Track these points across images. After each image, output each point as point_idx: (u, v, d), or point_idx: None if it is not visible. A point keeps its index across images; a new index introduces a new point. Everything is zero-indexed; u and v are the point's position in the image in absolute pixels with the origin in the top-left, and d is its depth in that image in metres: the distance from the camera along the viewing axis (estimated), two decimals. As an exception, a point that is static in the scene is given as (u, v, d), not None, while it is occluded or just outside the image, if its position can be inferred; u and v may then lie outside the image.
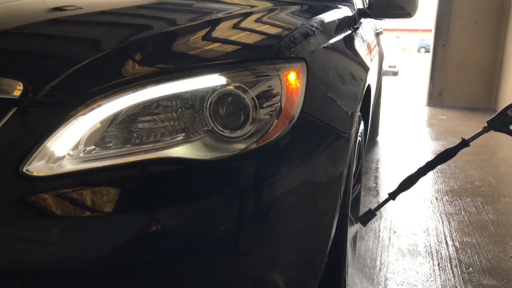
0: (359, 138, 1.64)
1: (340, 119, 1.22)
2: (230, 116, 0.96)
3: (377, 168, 3.59)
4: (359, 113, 1.65)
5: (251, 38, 1.12)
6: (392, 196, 1.80)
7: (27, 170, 0.79)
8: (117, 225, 0.81)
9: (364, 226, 1.82)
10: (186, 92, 0.93)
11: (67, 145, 0.83)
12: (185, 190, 0.86)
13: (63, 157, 0.83)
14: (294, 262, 1.06)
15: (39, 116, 0.83)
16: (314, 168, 1.08)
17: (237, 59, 1.01)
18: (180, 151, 0.89)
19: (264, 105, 0.99)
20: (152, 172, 0.85)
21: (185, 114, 0.93)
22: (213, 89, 0.95)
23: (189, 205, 0.86)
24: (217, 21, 1.15)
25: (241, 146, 0.94)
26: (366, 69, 1.63)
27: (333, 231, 1.20)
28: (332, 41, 1.36)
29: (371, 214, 1.81)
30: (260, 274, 0.95)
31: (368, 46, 2.01)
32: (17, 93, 0.83)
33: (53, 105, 0.84)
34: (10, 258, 0.76)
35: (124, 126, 0.88)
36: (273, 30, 1.18)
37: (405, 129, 5.18)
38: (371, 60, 1.96)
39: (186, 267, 0.85)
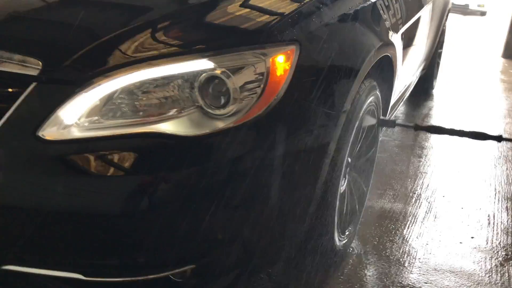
0: (369, 109, 1.70)
1: (331, 97, 1.31)
2: (216, 96, 1.10)
3: (422, 124, 3.56)
4: (374, 83, 1.71)
5: (243, 22, 1.21)
6: (415, 128, 1.90)
7: (42, 135, 1.00)
8: (109, 185, 1.01)
9: (379, 126, 1.93)
10: (177, 75, 1.07)
11: (74, 116, 1.03)
12: (169, 161, 1.04)
13: (71, 125, 1.02)
14: (269, 229, 1.22)
15: (53, 91, 1.03)
16: (295, 144, 1.21)
17: (227, 44, 1.13)
18: (168, 126, 1.06)
19: (246, 88, 1.11)
20: (142, 144, 1.03)
21: (176, 93, 1.08)
22: (202, 72, 1.08)
23: (172, 175, 1.03)
24: (212, 4, 1.25)
25: (221, 124, 1.08)
26: (383, 39, 1.65)
27: (312, 204, 1.33)
28: (339, 14, 1.40)
29: (391, 123, 1.92)
30: (230, 237, 1.13)
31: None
32: (36, 71, 1.02)
33: (64, 82, 1.03)
34: (25, 197, 1.00)
35: (122, 101, 1.05)
36: (267, 13, 1.26)
37: (468, 83, 4.95)
38: (401, 23, 1.93)
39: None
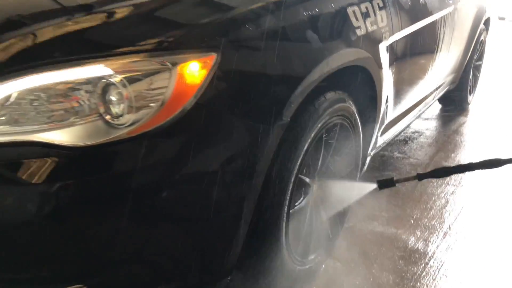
0: (333, 124, 1.56)
1: (262, 109, 1.20)
2: (116, 104, 1.03)
3: (447, 141, 3.30)
4: (342, 96, 1.57)
5: (154, 28, 1.14)
6: (419, 177, 1.72)
7: None
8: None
9: (380, 189, 1.76)
10: (75, 81, 1.02)
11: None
12: (53, 172, 0.98)
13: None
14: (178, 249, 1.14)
15: None
16: (208, 160, 1.11)
17: (129, 50, 1.05)
18: (60, 135, 1.00)
19: (145, 97, 1.03)
20: (25, 153, 0.98)
21: (73, 100, 1.03)
22: (101, 78, 1.02)
23: (54, 186, 0.97)
24: (121, 9, 1.18)
25: (114, 134, 1.01)
26: (347, 48, 1.51)
27: (241, 224, 1.23)
28: (282, 22, 1.29)
29: (391, 182, 1.74)
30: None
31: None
32: None
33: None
34: None
35: (13, 108, 1.01)
36: (185, 18, 1.17)
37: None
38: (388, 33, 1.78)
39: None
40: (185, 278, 1.22)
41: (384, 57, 1.79)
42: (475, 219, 2.16)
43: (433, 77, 2.63)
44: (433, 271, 1.75)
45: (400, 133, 2.48)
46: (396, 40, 1.89)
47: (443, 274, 1.73)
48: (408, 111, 2.45)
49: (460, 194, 2.43)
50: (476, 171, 1.78)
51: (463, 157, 2.98)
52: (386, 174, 2.61)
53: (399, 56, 1.96)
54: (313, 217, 1.64)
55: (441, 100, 3.86)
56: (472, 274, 1.73)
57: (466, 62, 3.54)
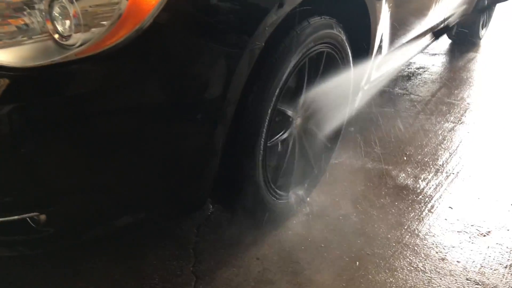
0: (319, 52, 1.46)
1: (232, 30, 1.10)
2: (60, 22, 0.94)
3: (452, 77, 3.16)
4: (330, 22, 1.45)
5: None
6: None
7: None
8: None
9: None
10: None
11: None
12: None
13: None
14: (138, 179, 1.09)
15: None
16: (168, 87, 1.03)
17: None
18: (5, 55, 0.92)
19: (94, 14, 0.94)
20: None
21: (19, 17, 0.94)
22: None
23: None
24: None
25: (60, 55, 0.93)
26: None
27: (211, 154, 1.17)
28: None
29: None
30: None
31: None
32: None
33: None
34: None
35: None
36: None
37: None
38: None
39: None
40: (152, 209, 1.18)
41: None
42: (470, 157, 2.09)
43: (439, 8, 2.45)
44: (419, 207, 1.70)
45: (399, 68, 2.35)
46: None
47: (429, 211, 1.69)
48: (409, 43, 2.31)
49: (459, 132, 2.34)
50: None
51: (467, 93, 2.86)
52: (384, 110, 2.52)
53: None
54: (296, 151, 1.58)
55: (450, 33, 3.68)
56: (459, 212, 1.69)
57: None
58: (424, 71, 3.26)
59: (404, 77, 3.12)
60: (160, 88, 1.02)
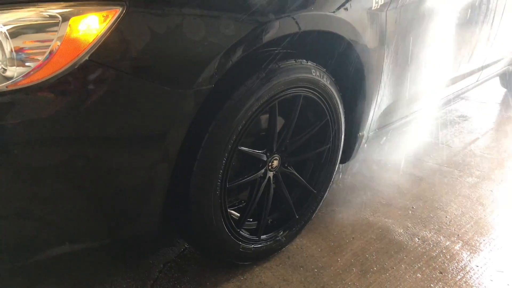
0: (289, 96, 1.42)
1: (174, 71, 1.11)
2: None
3: (493, 128, 2.93)
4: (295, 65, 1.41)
5: None
6: None
7: None
8: None
9: None
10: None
11: None
12: None
13: None
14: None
15: None
16: (99, 120, 1.05)
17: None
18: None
19: (32, 50, 0.99)
20: None
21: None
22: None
23: None
24: None
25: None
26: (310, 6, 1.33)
27: (151, 192, 1.17)
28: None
29: None
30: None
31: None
32: None
33: None
34: None
35: None
36: None
37: None
38: None
39: None
40: (91, 239, 1.19)
41: (375, 27, 1.59)
42: (484, 218, 1.90)
43: (468, 55, 2.31)
44: (411, 267, 1.57)
45: (418, 116, 2.23)
46: (400, 6, 1.66)
47: (414, 274, 1.55)
48: (428, 92, 2.18)
49: (480, 189, 2.15)
50: None
51: (504, 148, 2.63)
52: (401, 159, 2.38)
53: (402, 27, 1.72)
54: (269, 195, 1.53)
55: (504, 82, 3.44)
56: None
57: None
58: (464, 120, 3.06)
59: (440, 124, 2.94)
60: (90, 122, 1.04)
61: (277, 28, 1.25)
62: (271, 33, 1.25)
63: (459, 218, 1.89)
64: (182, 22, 1.10)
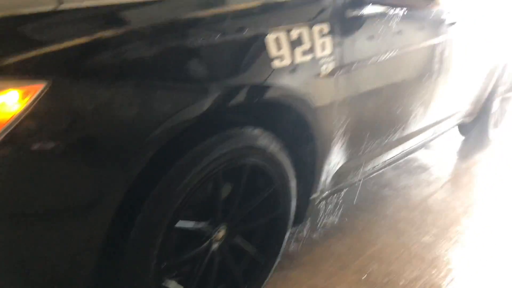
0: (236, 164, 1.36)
1: (100, 149, 1.04)
2: None
3: (451, 180, 2.95)
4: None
5: None
6: None
7: None
8: None
9: None
10: None
11: None
12: None
13: None
14: None
15: None
16: (18, 200, 0.97)
17: None
18: None
19: None
20: None
21: None
22: None
23: None
24: None
25: None
26: (255, 80, 1.31)
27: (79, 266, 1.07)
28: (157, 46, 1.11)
29: None
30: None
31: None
32: None
33: None
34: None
35: None
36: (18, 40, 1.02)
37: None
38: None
39: None
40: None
41: (325, 92, 1.57)
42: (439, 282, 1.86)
43: (422, 113, 2.33)
44: None
45: (371, 173, 2.21)
46: (352, 70, 1.65)
47: None
48: (383, 150, 2.17)
49: (436, 249, 2.12)
50: None
51: (460, 202, 2.64)
52: (358, 216, 2.35)
53: (354, 90, 1.71)
54: (214, 268, 1.45)
55: (462, 130, 3.50)
56: None
57: (488, 92, 3.16)
58: (423, 171, 3.07)
59: (400, 175, 2.94)
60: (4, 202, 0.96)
61: (219, 99, 1.21)
62: (212, 105, 1.20)
63: (413, 284, 1.84)
64: (112, 98, 1.03)
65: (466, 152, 3.46)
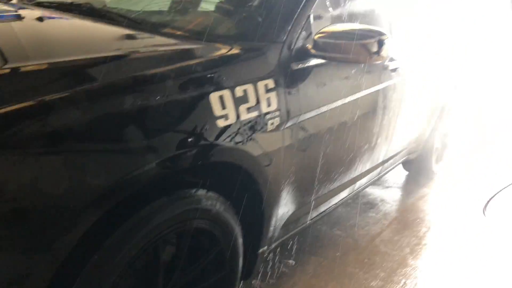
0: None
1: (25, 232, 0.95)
2: None
3: (398, 218, 3.00)
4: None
5: None
6: None
7: None
8: None
9: None
10: None
11: None
12: None
13: None
14: None
15: None
16: None
17: None
18: None
19: None
20: None
21: None
22: None
23: None
24: None
25: None
26: (199, 141, 1.26)
27: None
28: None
29: None
30: None
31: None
32: None
33: None
34: None
35: None
36: None
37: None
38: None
39: None
40: None
41: (272, 147, 1.54)
42: None
43: (369, 154, 2.36)
44: None
45: (321, 217, 2.20)
46: (294, 124, 1.64)
47: None
48: (332, 194, 2.17)
49: None
50: None
51: (407, 241, 2.68)
52: (304, 261, 2.32)
53: (301, 141, 1.70)
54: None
55: (406, 166, 3.60)
56: None
57: (429, 130, 3.28)
58: (371, 208, 3.11)
59: (349, 213, 2.96)
60: None
61: (160, 165, 1.15)
62: (152, 172, 1.14)
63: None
64: (40, 171, 0.95)
65: (411, 187, 3.55)
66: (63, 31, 1.66)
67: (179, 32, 1.69)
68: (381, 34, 1.63)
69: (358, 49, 1.61)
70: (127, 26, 1.67)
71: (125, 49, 1.47)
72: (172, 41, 1.60)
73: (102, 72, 1.16)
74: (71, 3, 1.94)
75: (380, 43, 1.63)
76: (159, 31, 1.69)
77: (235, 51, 1.49)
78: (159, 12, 1.96)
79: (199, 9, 1.95)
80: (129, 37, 1.58)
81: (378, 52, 1.63)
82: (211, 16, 1.83)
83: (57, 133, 0.98)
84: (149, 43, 1.57)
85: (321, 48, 1.64)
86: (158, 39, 1.61)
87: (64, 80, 1.11)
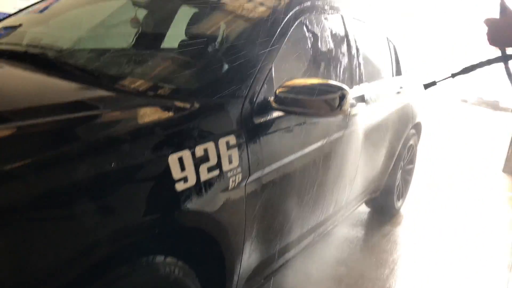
0: None
1: None
2: None
3: (359, 259, 2.99)
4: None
5: None
6: (453, 75, 1.58)
7: None
8: None
9: (425, 89, 1.61)
10: None
11: None
12: None
13: None
14: None
15: None
16: None
17: None
18: None
19: None
20: None
21: None
22: None
23: None
24: None
25: None
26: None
27: None
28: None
29: (433, 83, 1.61)
30: None
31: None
32: None
33: None
34: None
35: None
36: None
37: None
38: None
39: None
40: None
41: (234, 205, 1.50)
42: None
43: (331, 199, 2.35)
44: None
45: (285, 264, 2.16)
46: (257, 179, 1.60)
47: None
48: (297, 240, 2.14)
49: None
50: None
51: (371, 285, 2.66)
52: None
53: (264, 195, 1.66)
54: None
55: (369, 204, 3.62)
56: None
57: (390, 169, 3.33)
58: (334, 249, 3.09)
59: (313, 256, 2.92)
60: None
61: (112, 238, 1.08)
62: (104, 245, 1.07)
63: None
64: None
65: (374, 225, 3.56)
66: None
67: (133, 87, 1.56)
68: (341, 89, 1.64)
69: (319, 104, 1.62)
70: (78, 79, 1.55)
71: (75, 110, 1.35)
72: (125, 98, 1.48)
73: (51, 139, 1.09)
74: (25, 52, 1.82)
75: (341, 98, 1.63)
76: (111, 86, 1.55)
77: (194, 108, 1.46)
78: (115, 63, 1.82)
79: (156, 64, 1.90)
80: (78, 92, 1.47)
81: (339, 107, 1.63)
82: (169, 70, 1.78)
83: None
84: (101, 101, 1.44)
85: (283, 102, 1.63)
86: (110, 96, 1.47)
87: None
